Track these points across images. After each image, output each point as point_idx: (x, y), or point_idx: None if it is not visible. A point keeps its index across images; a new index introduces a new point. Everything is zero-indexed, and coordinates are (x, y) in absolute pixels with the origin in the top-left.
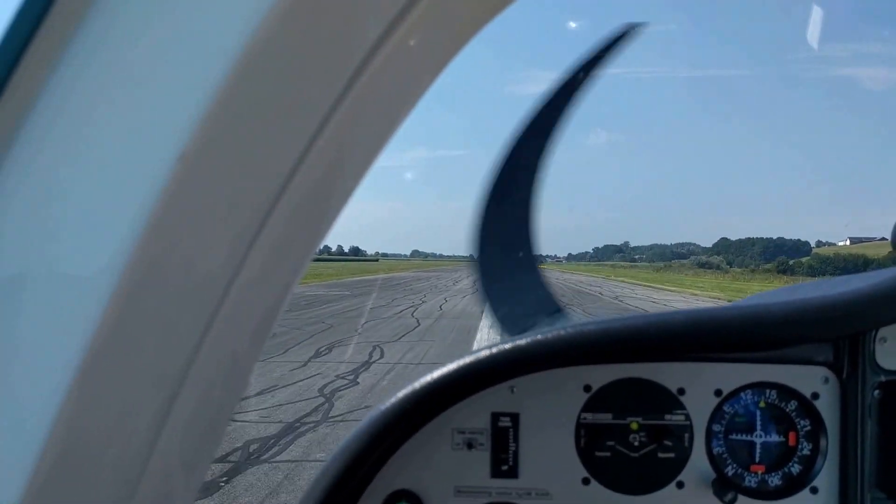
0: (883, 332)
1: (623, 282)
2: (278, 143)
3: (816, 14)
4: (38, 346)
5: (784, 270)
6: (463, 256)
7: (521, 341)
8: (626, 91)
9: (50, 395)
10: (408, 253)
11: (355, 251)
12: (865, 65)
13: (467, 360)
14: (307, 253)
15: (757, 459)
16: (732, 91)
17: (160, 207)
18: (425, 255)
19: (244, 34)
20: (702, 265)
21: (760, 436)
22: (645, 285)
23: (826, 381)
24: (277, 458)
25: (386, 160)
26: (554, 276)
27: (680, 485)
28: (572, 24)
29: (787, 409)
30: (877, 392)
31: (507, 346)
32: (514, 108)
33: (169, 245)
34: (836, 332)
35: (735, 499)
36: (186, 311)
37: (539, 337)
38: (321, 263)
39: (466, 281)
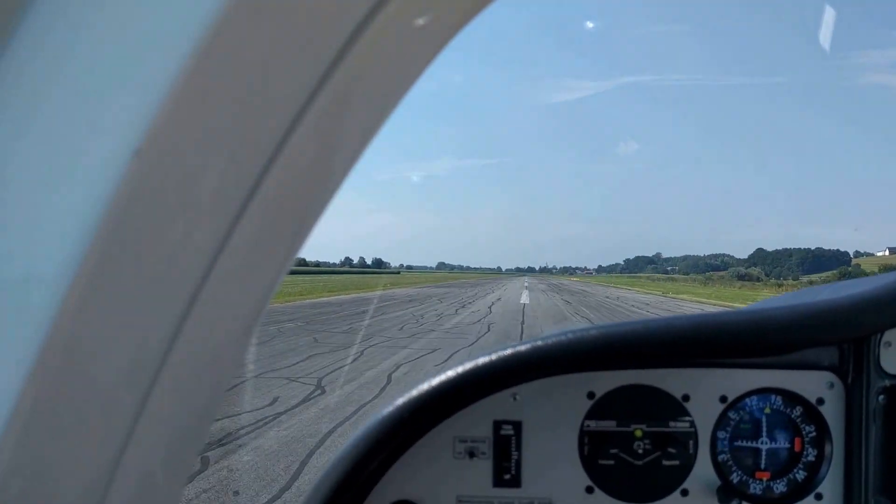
0: (888, 336)
1: (690, 301)
2: (253, 130)
3: (829, 14)
4: None
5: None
6: (490, 269)
7: (522, 347)
8: (657, 100)
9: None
10: (434, 265)
11: (378, 263)
12: (889, 72)
13: (468, 366)
14: (290, 250)
15: (762, 466)
16: (761, 99)
17: (118, 201)
18: (451, 268)
19: (210, 11)
20: (741, 277)
21: (766, 442)
22: (718, 304)
23: (831, 386)
24: None
25: (411, 170)
26: (603, 294)
27: (684, 492)
28: (589, 25)
29: (793, 415)
30: (881, 397)
31: (508, 352)
32: (543, 116)
33: (129, 240)
34: (840, 335)
35: None
36: (154, 310)
37: (539, 343)
38: (325, 276)
39: (480, 303)
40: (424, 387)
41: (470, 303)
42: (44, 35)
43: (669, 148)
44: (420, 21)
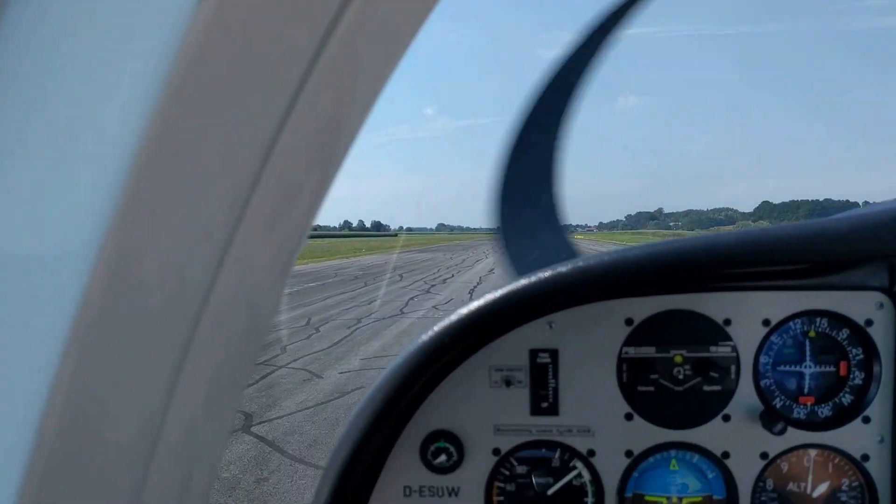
0: None
1: None
2: (261, 96)
3: None
4: (16, 336)
5: None
6: (490, 229)
7: (563, 268)
8: (655, 52)
9: (41, 372)
10: (434, 226)
11: (377, 227)
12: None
13: (504, 291)
14: (316, 197)
15: (806, 391)
16: (768, 48)
17: (133, 179)
18: (451, 229)
19: None
20: None
21: (809, 367)
22: None
23: (881, 306)
24: None
25: (409, 132)
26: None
27: (726, 418)
28: None
29: (839, 338)
30: None
31: (548, 273)
32: (539, 72)
33: (149, 218)
34: (893, 247)
35: (784, 430)
36: (186, 264)
37: (581, 263)
38: (316, 241)
39: (461, 280)
40: (462, 312)
41: (448, 278)
42: (44, 15)
43: (670, 101)
44: None
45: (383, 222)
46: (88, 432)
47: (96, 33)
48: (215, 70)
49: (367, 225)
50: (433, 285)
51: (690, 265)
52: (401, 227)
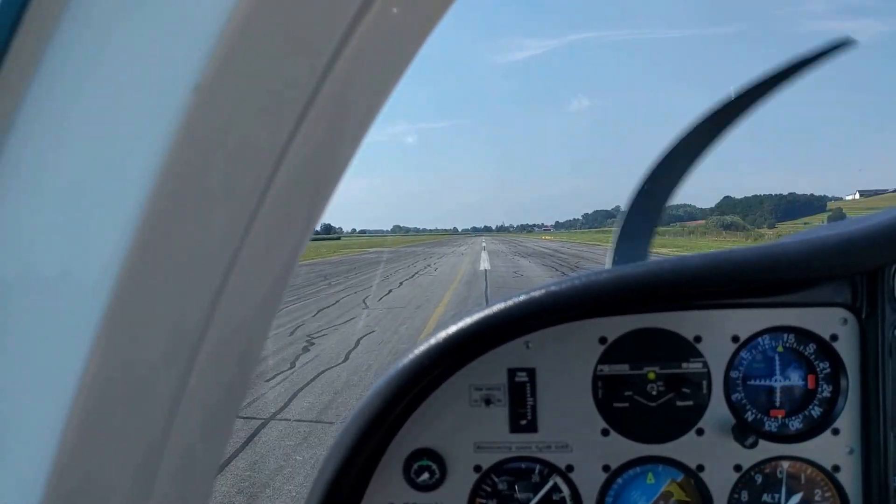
0: None
1: None
2: (269, 119)
3: None
4: (43, 344)
5: None
6: (445, 230)
7: (535, 293)
8: (607, 56)
9: (61, 386)
10: (389, 228)
11: (328, 230)
12: (848, 18)
13: (481, 315)
14: (309, 223)
15: (777, 404)
16: (717, 50)
17: (154, 193)
18: (407, 230)
19: (224, 12)
20: (726, 227)
21: (779, 380)
22: None
23: (845, 322)
24: None
25: (370, 136)
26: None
27: (700, 432)
28: None
29: (806, 353)
30: None
31: (521, 298)
32: (497, 77)
33: (166, 232)
34: (854, 267)
35: (756, 443)
36: (191, 291)
37: (553, 288)
38: None
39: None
40: (441, 335)
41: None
42: (73, 46)
43: (621, 102)
44: (410, 5)
45: (334, 224)
46: (102, 456)
47: (120, 70)
48: (223, 109)
49: (317, 228)
50: None
51: (657, 287)
52: (353, 230)
